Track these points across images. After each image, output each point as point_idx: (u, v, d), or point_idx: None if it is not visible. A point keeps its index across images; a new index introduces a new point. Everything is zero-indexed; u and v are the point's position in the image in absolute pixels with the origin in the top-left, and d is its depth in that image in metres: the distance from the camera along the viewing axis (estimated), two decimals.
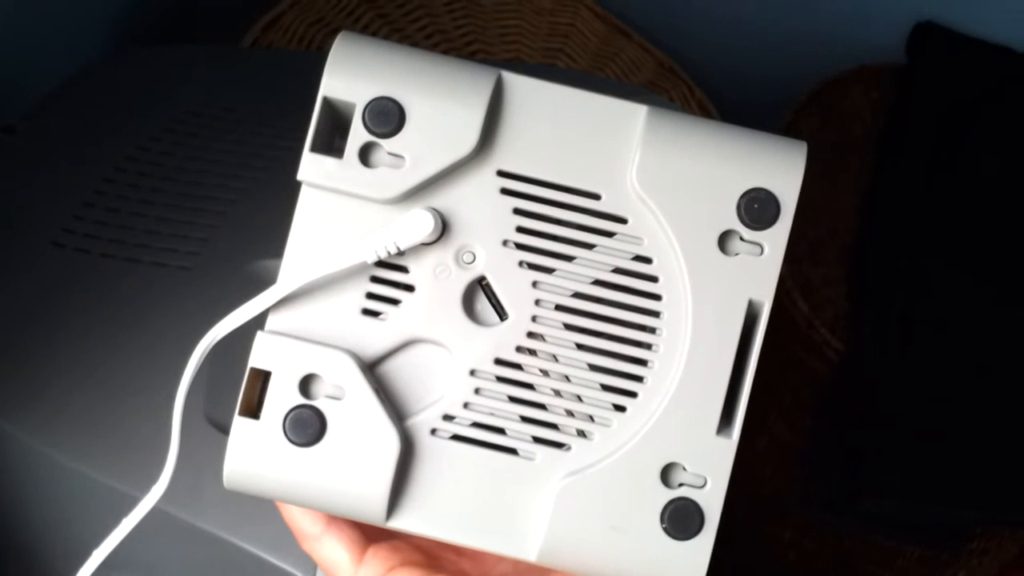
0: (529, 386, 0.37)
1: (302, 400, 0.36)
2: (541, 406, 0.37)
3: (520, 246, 0.37)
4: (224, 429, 0.36)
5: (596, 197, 0.37)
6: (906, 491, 0.80)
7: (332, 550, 0.38)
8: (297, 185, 0.37)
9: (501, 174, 0.37)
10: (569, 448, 0.37)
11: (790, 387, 0.88)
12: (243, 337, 0.37)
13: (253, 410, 0.36)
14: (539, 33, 1.05)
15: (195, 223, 0.58)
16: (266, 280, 0.37)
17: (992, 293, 0.85)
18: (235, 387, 0.36)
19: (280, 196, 0.39)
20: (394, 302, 0.37)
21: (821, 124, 0.94)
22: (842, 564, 0.90)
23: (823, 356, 0.84)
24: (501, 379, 0.37)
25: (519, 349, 0.37)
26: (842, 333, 0.84)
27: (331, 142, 0.38)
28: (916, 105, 0.92)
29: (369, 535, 0.39)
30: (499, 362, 0.37)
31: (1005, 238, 0.87)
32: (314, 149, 0.36)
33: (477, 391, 0.37)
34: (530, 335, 0.37)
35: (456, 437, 0.37)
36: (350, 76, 0.36)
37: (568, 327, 0.37)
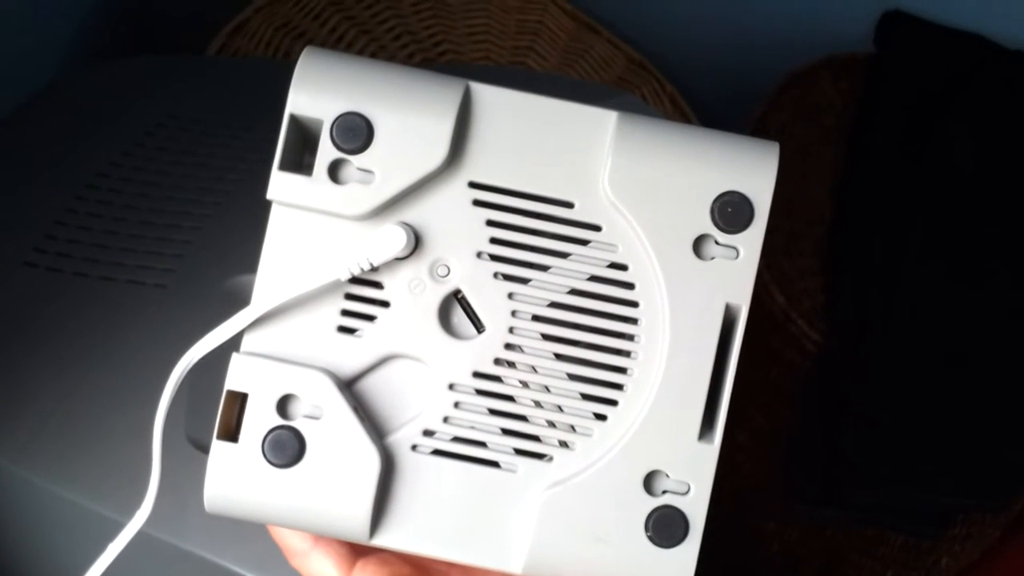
0: (509, 398, 0.37)
1: (280, 421, 0.36)
2: (522, 418, 0.37)
3: (494, 257, 0.37)
4: (206, 449, 0.36)
5: (569, 205, 0.37)
6: (887, 479, 0.80)
7: (321, 566, 0.38)
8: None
9: (473, 185, 0.37)
10: (551, 459, 0.37)
11: (769, 380, 0.88)
12: (222, 355, 0.36)
13: (231, 433, 0.36)
14: (508, 32, 1.04)
15: (170, 239, 0.58)
16: (243, 296, 0.36)
17: (967, 281, 0.85)
18: (216, 406, 0.36)
19: (254, 210, 0.39)
20: (370, 318, 0.37)
21: (792, 115, 0.94)
22: (826, 553, 0.91)
23: (801, 348, 0.85)
24: (480, 392, 0.37)
25: (497, 361, 0.37)
26: (820, 325, 0.84)
27: (300, 159, 0.37)
28: (885, 94, 0.93)
29: (357, 549, 0.39)
30: (478, 375, 0.37)
31: (977, 226, 0.88)
32: (283, 167, 0.36)
33: (456, 405, 0.37)
34: (508, 347, 0.37)
35: (437, 452, 0.37)
36: (316, 92, 0.36)
37: (546, 337, 0.37)
